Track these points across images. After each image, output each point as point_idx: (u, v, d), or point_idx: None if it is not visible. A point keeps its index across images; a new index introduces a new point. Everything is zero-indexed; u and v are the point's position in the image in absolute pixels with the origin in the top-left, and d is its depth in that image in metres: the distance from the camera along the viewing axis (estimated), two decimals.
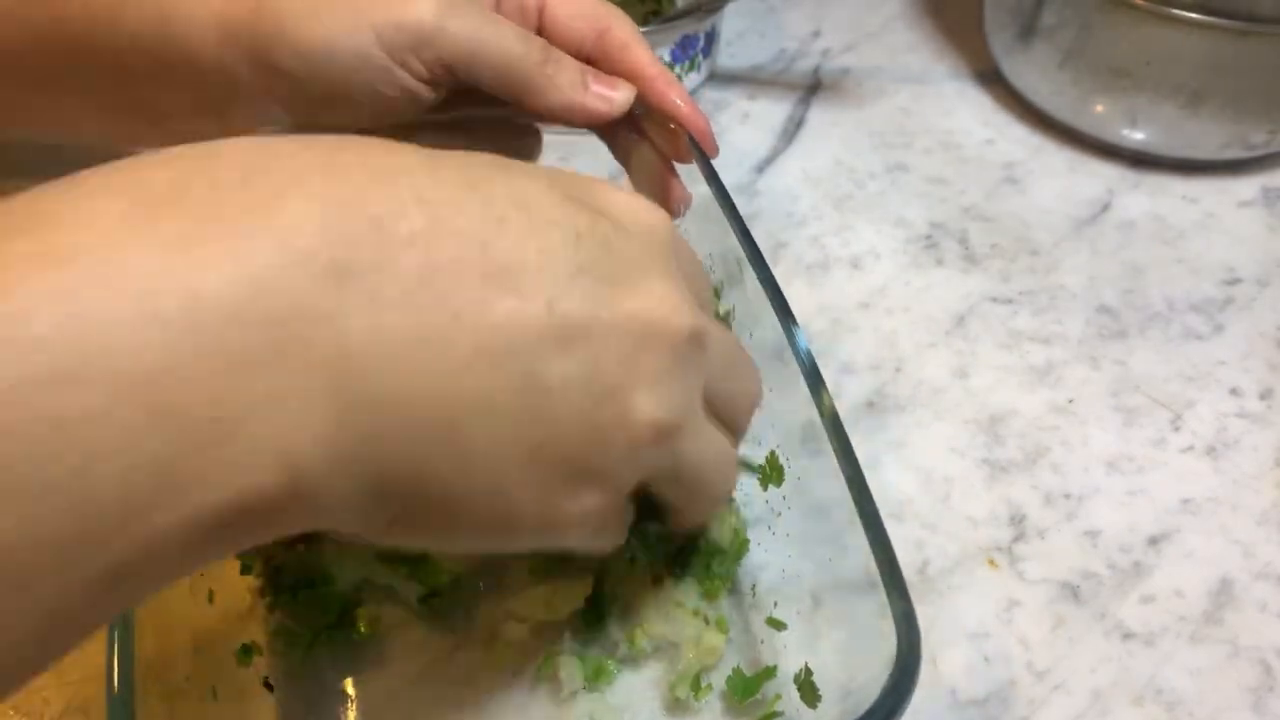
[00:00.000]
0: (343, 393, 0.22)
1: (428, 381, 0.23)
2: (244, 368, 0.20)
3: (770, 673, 0.37)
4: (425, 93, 0.41)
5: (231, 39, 0.39)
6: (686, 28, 0.63)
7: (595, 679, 0.38)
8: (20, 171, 0.57)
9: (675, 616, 0.38)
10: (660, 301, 0.27)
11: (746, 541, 0.40)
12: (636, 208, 0.29)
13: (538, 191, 0.26)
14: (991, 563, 0.44)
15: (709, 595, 0.39)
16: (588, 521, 0.28)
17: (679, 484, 0.30)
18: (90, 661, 0.39)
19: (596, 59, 0.44)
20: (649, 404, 0.26)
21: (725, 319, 0.44)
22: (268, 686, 0.36)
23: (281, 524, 0.23)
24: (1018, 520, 0.45)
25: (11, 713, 0.38)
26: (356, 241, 0.22)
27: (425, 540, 0.27)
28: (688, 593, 0.38)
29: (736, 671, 0.37)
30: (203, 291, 0.20)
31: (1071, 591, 0.43)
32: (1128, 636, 0.41)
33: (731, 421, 0.32)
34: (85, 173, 0.21)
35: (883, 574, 0.30)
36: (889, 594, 0.30)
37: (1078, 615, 0.42)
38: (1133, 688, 0.40)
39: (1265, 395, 0.51)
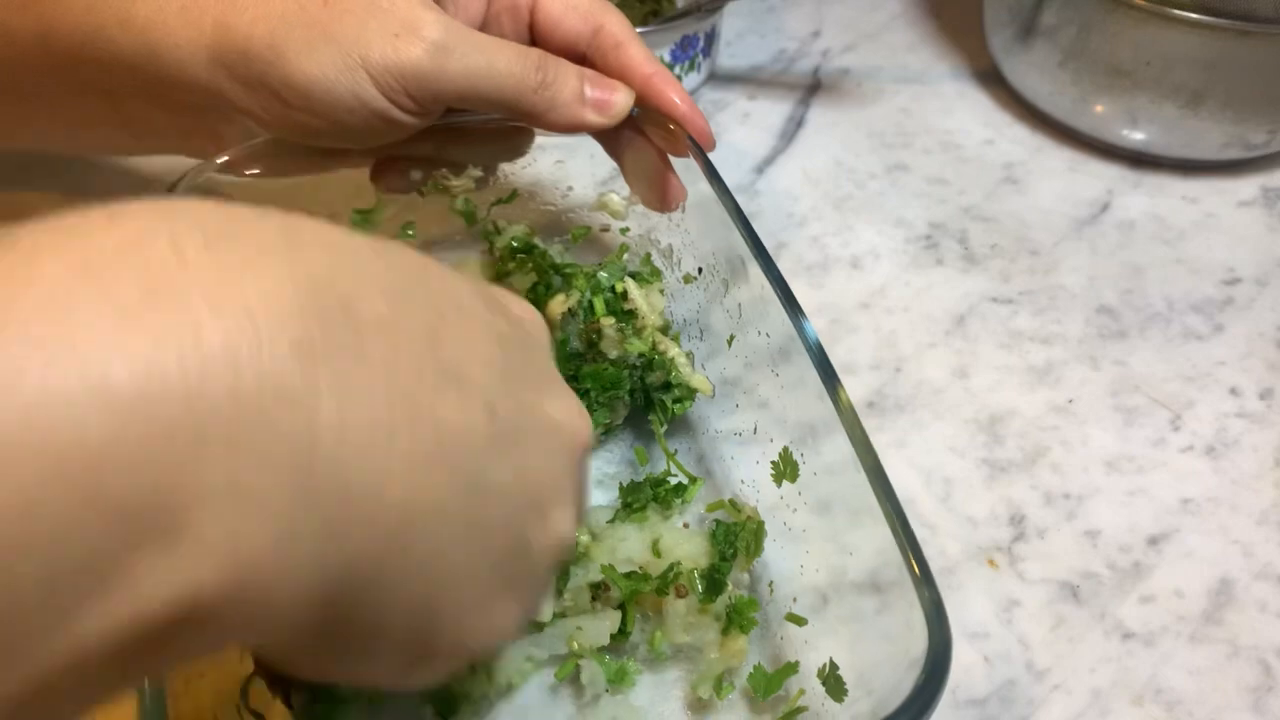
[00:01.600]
0: (307, 482, 0.19)
1: (392, 477, 0.21)
2: (199, 450, 0.17)
3: (792, 668, 0.37)
4: (418, 123, 0.41)
5: (224, 67, 0.39)
6: (686, 28, 0.63)
7: (618, 682, 0.38)
8: (9, 181, 0.57)
9: (698, 623, 0.38)
10: (568, 408, 0.28)
11: (762, 524, 0.40)
12: (527, 313, 0.30)
13: (464, 290, 0.26)
14: (991, 563, 0.44)
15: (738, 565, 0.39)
16: (500, 636, 0.26)
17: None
18: None
19: (591, 57, 0.44)
20: (566, 515, 0.27)
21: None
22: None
23: (220, 633, 0.20)
24: (1018, 520, 0.45)
25: None
26: (328, 321, 0.20)
27: (338, 663, 0.24)
28: (712, 599, 0.38)
29: (758, 669, 0.37)
30: (157, 365, 0.17)
31: (1071, 591, 0.43)
32: (1128, 636, 0.41)
33: None
34: (20, 229, 0.19)
35: (909, 565, 0.30)
36: (917, 586, 0.30)
37: (1078, 615, 0.42)
38: (1133, 688, 0.40)
39: (1265, 395, 0.51)
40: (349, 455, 0.20)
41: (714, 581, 0.38)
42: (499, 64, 0.40)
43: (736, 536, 0.39)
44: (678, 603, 0.38)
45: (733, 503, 0.41)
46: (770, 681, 0.37)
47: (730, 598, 0.38)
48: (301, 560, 0.20)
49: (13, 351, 0.16)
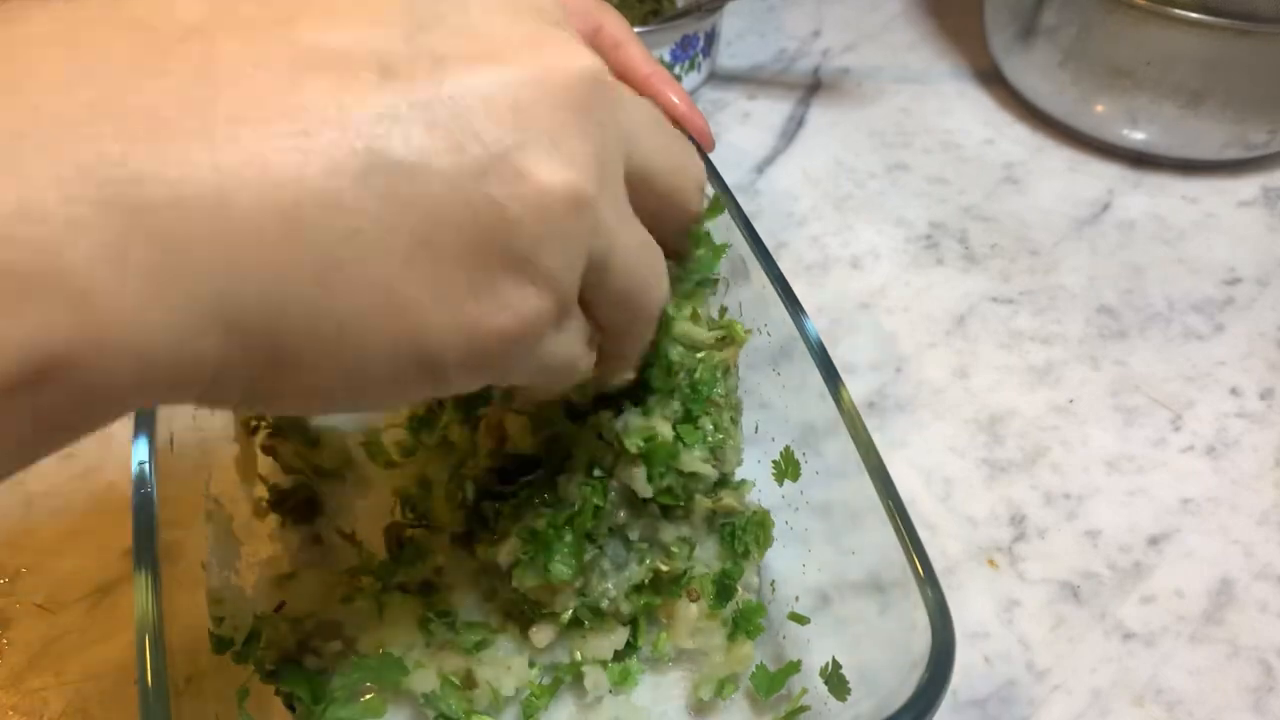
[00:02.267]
0: (136, 219, 0.18)
1: (237, 184, 0.19)
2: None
3: (795, 667, 0.37)
4: None
5: None
6: (686, 28, 0.63)
7: (620, 683, 0.37)
8: None
9: (705, 628, 0.38)
10: (541, 42, 0.23)
11: (767, 513, 0.40)
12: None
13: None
14: (991, 563, 0.44)
15: (739, 570, 0.38)
16: (532, 328, 0.23)
17: (609, 279, 0.25)
18: (90, 662, 0.39)
19: None
20: (549, 163, 0.22)
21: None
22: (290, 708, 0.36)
23: (98, 386, 0.19)
24: (1018, 520, 0.45)
25: (11, 713, 0.38)
26: (111, 53, 0.19)
27: (329, 390, 0.22)
28: (719, 603, 0.38)
29: (760, 668, 0.37)
30: None
31: (1071, 591, 0.43)
32: (1128, 636, 0.41)
33: (667, 203, 0.28)
34: None
35: (912, 565, 0.30)
36: (921, 586, 0.30)
37: (1078, 615, 0.42)
38: (1133, 688, 0.40)
39: (1265, 395, 0.51)
40: (174, 193, 0.18)
41: (724, 588, 0.38)
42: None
43: (745, 531, 0.38)
44: (690, 607, 0.37)
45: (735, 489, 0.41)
46: (773, 680, 0.37)
47: (739, 603, 0.38)
48: (150, 297, 0.18)
49: None
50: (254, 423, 0.39)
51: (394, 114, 0.20)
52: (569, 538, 0.35)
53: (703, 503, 0.37)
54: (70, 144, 0.18)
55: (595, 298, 0.26)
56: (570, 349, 0.26)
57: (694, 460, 0.36)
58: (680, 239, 0.30)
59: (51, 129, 0.18)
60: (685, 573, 0.38)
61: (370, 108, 0.20)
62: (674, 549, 0.37)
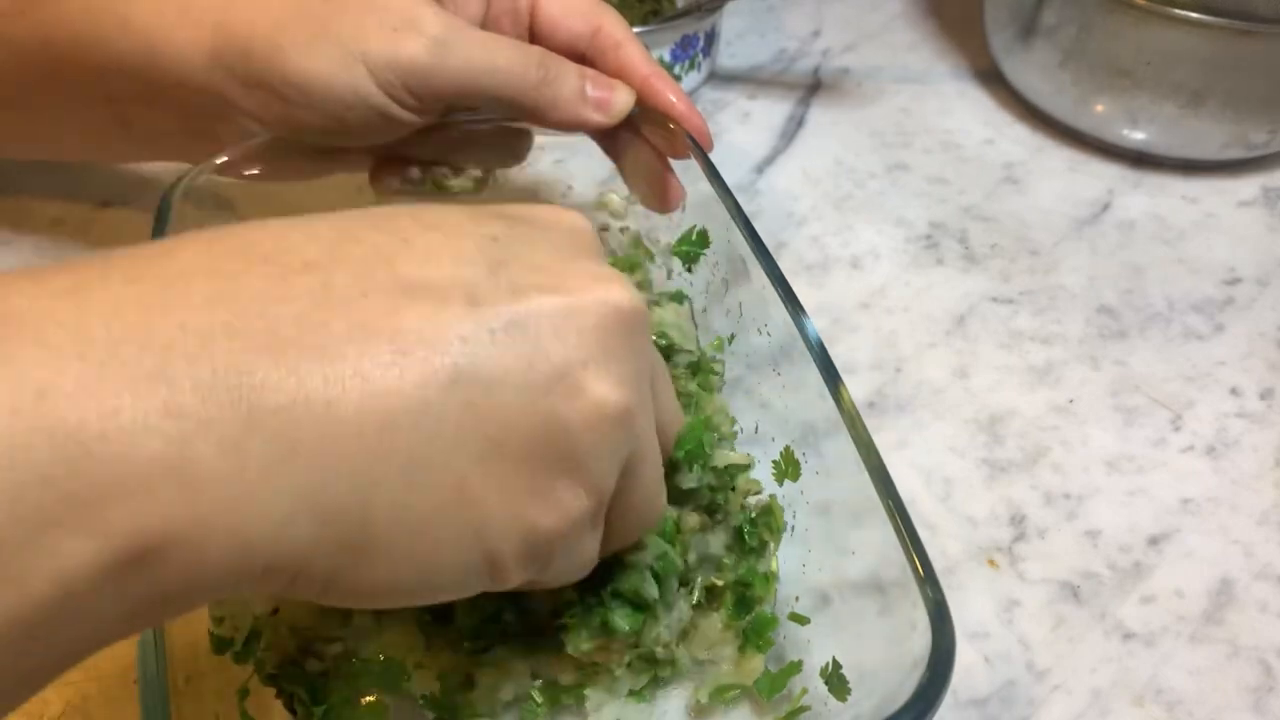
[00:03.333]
0: (256, 419, 0.21)
1: (342, 393, 0.22)
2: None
3: (796, 668, 0.36)
4: (417, 120, 0.41)
5: (222, 67, 0.39)
6: (686, 27, 0.63)
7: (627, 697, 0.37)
8: (9, 186, 0.57)
9: (720, 639, 0.37)
10: (597, 279, 0.26)
11: (774, 497, 0.40)
12: (549, 210, 0.29)
13: (446, 211, 0.26)
14: (991, 563, 0.44)
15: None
16: (576, 526, 0.26)
17: (637, 486, 0.29)
18: (90, 662, 0.39)
19: (590, 57, 0.44)
20: (604, 382, 0.25)
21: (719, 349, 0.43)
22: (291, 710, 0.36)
23: (199, 566, 0.21)
24: (1018, 520, 0.45)
25: (11, 712, 0.38)
26: (244, 282, 0.22)
27: (403, 581, 0.25)
28: (730, 619, 0.38)
29: (762, 672, 0.37)
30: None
31: (1071, 591, 0.43)
32: (1128, 636, 0.41)
33: (661, 435, 0.31)
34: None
35: (912, 565, 0.30)
36: (921, 586, 0.30)
37: (1078, 615, 0.42)
38: (1133, 688, 0.40)
39: (1265, 395, 0.51)
40: (287, 399, 0.21)
41: (744, 599, 0.38)
42: (499, 59, 0.40)
43: (755, 524, 0.38)
44: (715, 621, 0.37)
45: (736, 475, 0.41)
46: (774, 681, 0.36)
47: (755, 614, 0.38)
48: (260, 486, 0.21)
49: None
50: None
51: (478, 334, 0.24)
52: (634, 579, 0.34)
53: (737, 494, 0.37)
54: (207, 355, 0.21)
55: (617, 503, 0.28)
56: (592, 551, 0.29)
57: (726, 455, 0.37)
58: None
59: (194, 342, 0.21)
60: (704, 578, 0.38)
61: (458, 329, 0.23)
62: (725, 560, 0.37)
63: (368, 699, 0.36)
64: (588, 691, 0.36)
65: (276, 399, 0.21)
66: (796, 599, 0.38)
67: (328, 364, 0.22)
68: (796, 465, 0.39)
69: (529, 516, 0.25)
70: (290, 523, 0.22)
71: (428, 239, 0.25)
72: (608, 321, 0.26)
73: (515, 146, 0.48)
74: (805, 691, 0.36)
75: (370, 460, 0.22)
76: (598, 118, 0.42)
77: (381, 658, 0.36)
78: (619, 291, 0.26)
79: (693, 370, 0.43)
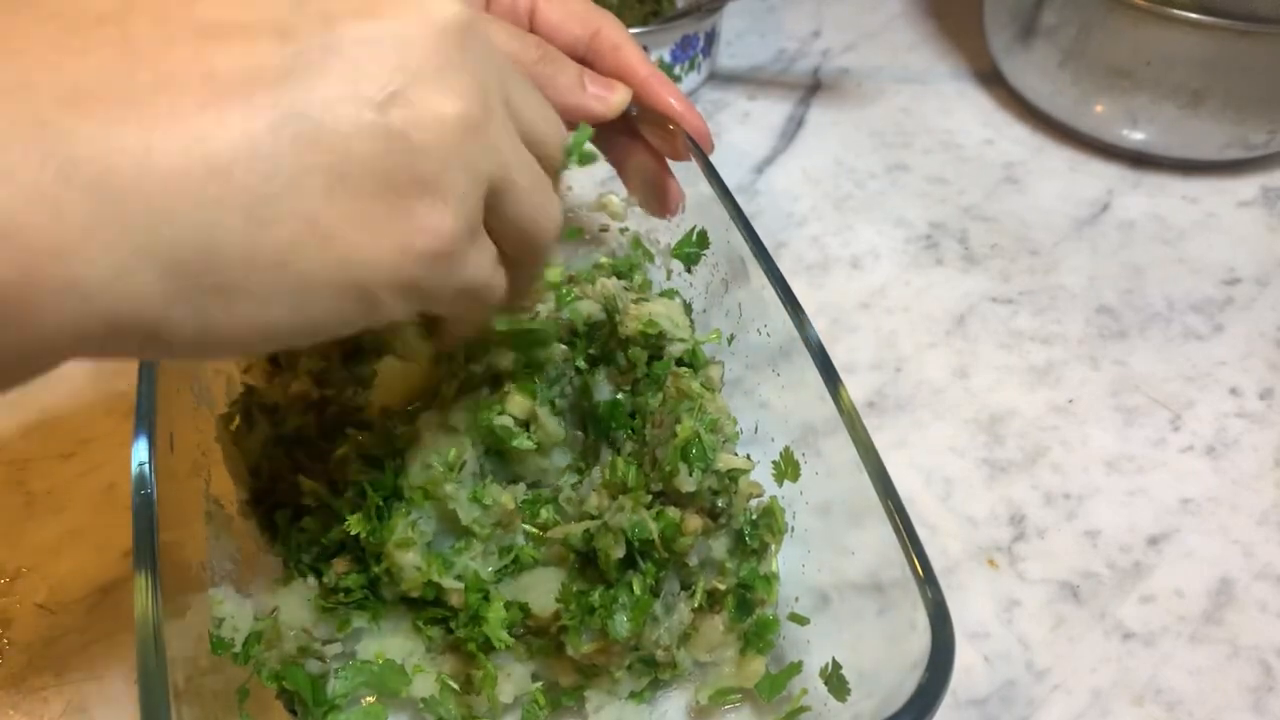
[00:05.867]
0: (68, 170, 0.21)
1: (161, 138, 0.22)
2: None
3: (796, 668, 0.37)
4: None
5: None
6: (686, 28, 0.63)
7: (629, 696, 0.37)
8: None
9: (723, 642, 0.37)
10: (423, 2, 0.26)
11: (775, 499, 0.39)
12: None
13: None
14: (991, 563, 0.44)
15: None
16: (448, 245, 0.26)
17: (509, 202, 0.28)
18: (90, 662, 0.39)
19: (589, 61, 0.44)
20: (441, 96, 0.25)
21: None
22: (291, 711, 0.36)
23: (41, 325, 0.22)
24: (1018, 520, 0.45)
25: (11, 713, 0.38)
26: (33, 38, 0.22)
27: (276, 321, 0.25)
28: (733, 623, 0.38)
29: (764, 674, 0.37)
30: None
31: (1071, 591, 0.43)
32: (1128, 636, 0.41)
33: (538, 147, 0.30)
34: None
35: (912, 565, 0.30)
36: (921, 586, 0.30)
37: (1078, 615, 0.42)
38: (1133, 687, 0.40)
39: (1265, 395, 0.51)
40: (106, 150, 0.21)
41: (744, 601, 0.37)
42: (497, 35, 0.40)
43: (757, 525, 0.38)
44: (716, 624, 0.37)
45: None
46: (775, 682, 0.36)
47: (756, 616, 0.38)
48: (86, 238, 0.21)
49: None
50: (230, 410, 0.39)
51: (293, 67, 0.23)
52: (635, 588, 0.34)
53: (740, 497, 0.37)
54: (3, 114, 0.20)
55: (497, 223, 0.29)
56: (483, 270, 0.28)
57: (728, 459, 0.36)
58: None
59: None
60: (726, 590, 0.38)
61: (273, 64, 0.23)
62: (727, 564, 0.37)
63: (368, 700, 0.36)
64: (588, 693, 0.36)
65: (87, 150, 0.21)
66: (796, 599, 0.38)
67: (139, 114, 0.22)
68: (796, 466, 0.39)
69: (393, 240, 0.25)
70: (128, 273, 0.22)
71: None
72: (430, 35, 0.25)
73: None
74: (805, 692, 0.36)
75: (205, 205, 0.22)
76: (596, 106, 0.42)
77: (381, 660, 0.36)
78: (438, 4, 0.26)
79: (686, 360, 0.43)
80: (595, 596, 0.34)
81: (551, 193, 0.31)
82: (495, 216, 0.28)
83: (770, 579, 0.38)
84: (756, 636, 0.37)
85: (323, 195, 0.24)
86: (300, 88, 0.23)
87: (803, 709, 0.36)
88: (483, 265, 0.28)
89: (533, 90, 0.31)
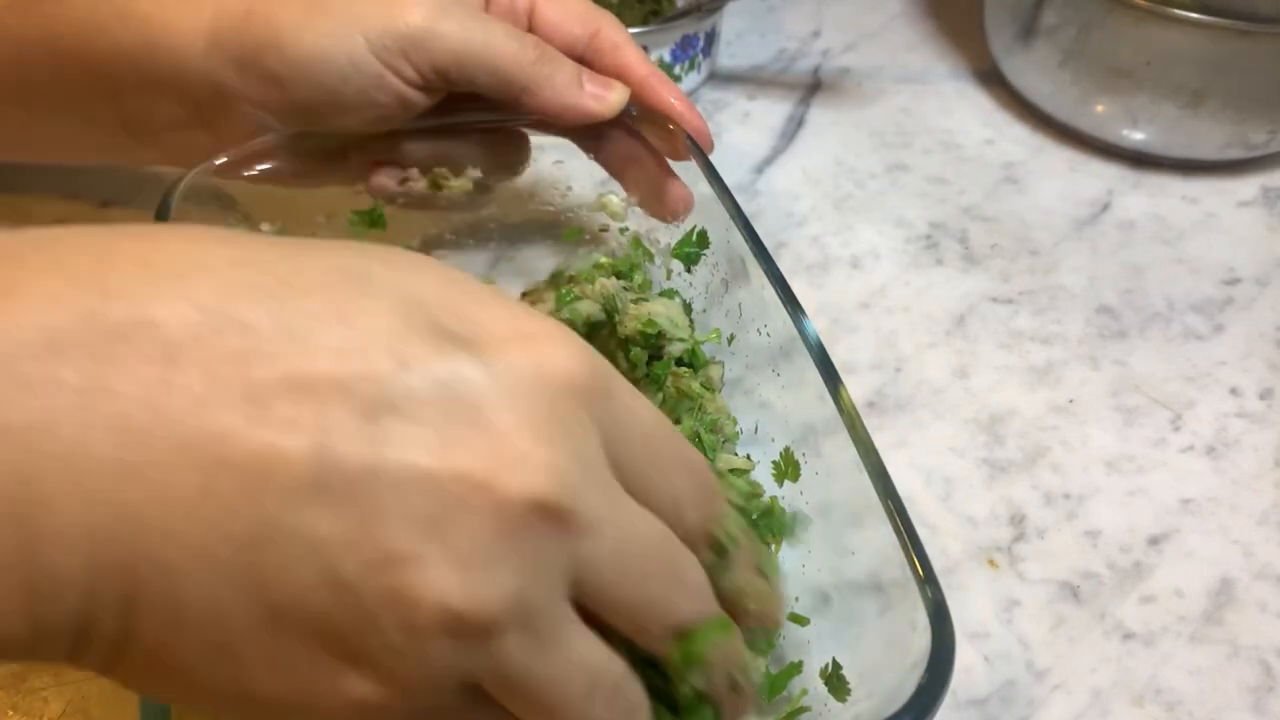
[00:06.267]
0: (20, 524, 0.19)
1: (131, 522, 0.19)
2: None
3: (796, 668, 0.36)
4: (417, 98, 0.41)
5: (220, 49, 0.39)
6: (686, 28, 0.63)
7: None
8: (7, 185, 0.57)
9: None
10: (501, 456, 0.21)
11: (778, 503, 0.39)
12: (532, 342, 0.22)
13: (375, 305, 0.21)
14: (991, 563, 0.44)
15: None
16: (368, 717, 0.21)
17: (520, 703, 0.22)
18: None
19: (588, 59, 0.44)
20: (442, 584, 0.20)
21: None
22: None
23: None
24: (1018, 520, 0.45)
25: (11, 713, 0.38)
26: (82, 350, 0.19)
27: (171, 694, 0.22)
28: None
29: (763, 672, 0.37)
30: None
31: (1071, 591, 0.43)
32: (1128, 636, 0.41)
33: (646, 641, 0.24)
34: None
35: (912, 565, 0.30)
36: (921, 586, 0.30)
37: (1078, 615, 0.42)
38: (1133, 688, 0.40)
39: (1265, 395, 0.51)
40: (79, 487, 0.19)
41: None
42: (497, 33, 0.40)
43: (759, 525, 0.38)
44: None
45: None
46: (775, 682, 0.36)
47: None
48: (19, 594, 0.19)
49: None
50: None
51: (306, 490, 0.20)
52: None
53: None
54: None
55: (514, 709, 0.23)
56: None
57: (729, 459, 0.36)
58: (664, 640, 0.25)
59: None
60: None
61: (285, 479, 0.20)
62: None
63: None
64: None
65: (70, 510, 0.19)
66: (796, 599, 0.38)
67: (129, 483, 0.19)
68: (796, 466, 0.39)
69: (304, 695, 0.21)
70: (61, 610, 0.19)
71: (318, 340, 0.21)
72: (488, 512, 0.20)
73: (512, 159, 0.48)
74: (805, 692, 0.36)
75: (144, 590, 0.20)
76: (594, 105, 0.42)
77: None
78: (527, 475, 0.21)
79: (685, 360, 0.43)
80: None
81: (603, 706, 0.23)
82: (506, 704, 0.23)
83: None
84: (757, 638, 0.37)
85: (246, 628, 0.20)
86: (296, 511, 0.20)
87: (802, 709, 0.36)
88: None
89: (658, 569, 0.24)
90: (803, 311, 0.38)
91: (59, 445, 0.19)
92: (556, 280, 0.47)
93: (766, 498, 0.40)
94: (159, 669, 0.21)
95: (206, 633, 0.20)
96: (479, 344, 0.22)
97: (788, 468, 0.39)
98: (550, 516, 0.21)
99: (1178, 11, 0.56)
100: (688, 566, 0.24)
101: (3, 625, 0.19)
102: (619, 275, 0.46)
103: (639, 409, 0.24)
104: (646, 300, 0.44)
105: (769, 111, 0.67)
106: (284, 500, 0.20)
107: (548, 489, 0.21)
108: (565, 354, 0.22)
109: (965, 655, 0.41)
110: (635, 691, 0.24)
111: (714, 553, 0.26)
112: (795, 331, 0.37)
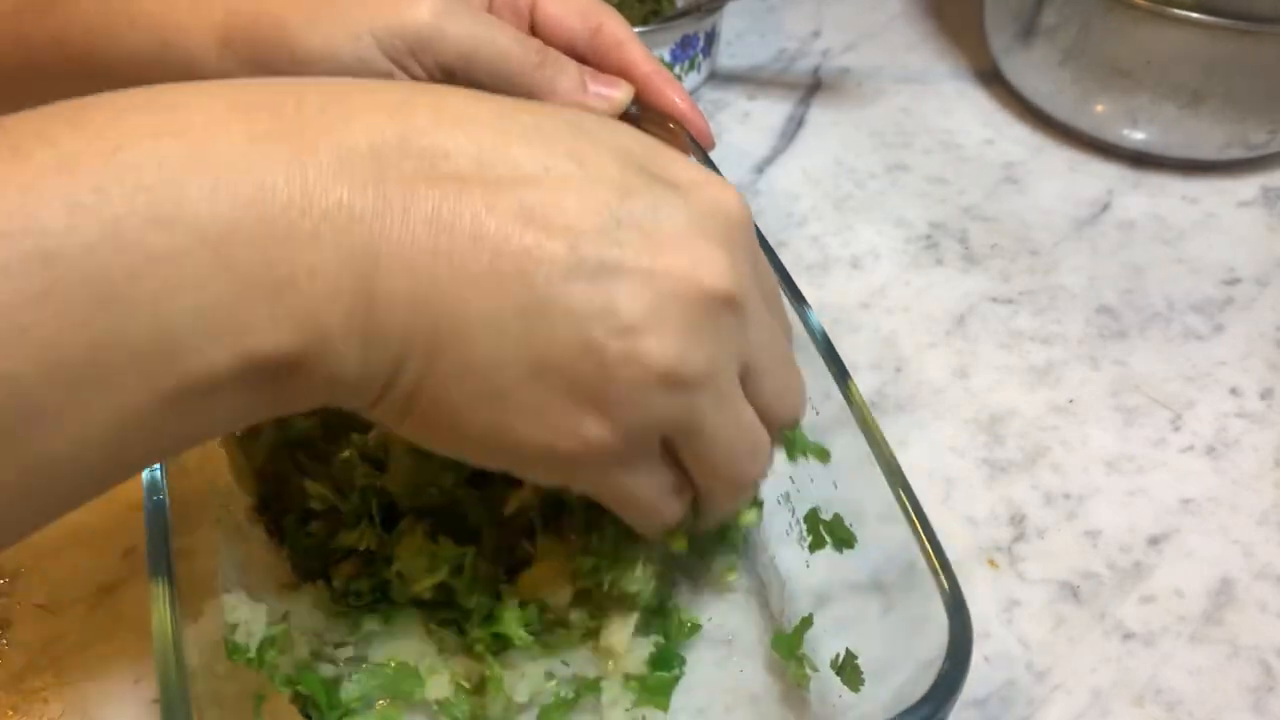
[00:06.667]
0: (366, 284, 0.25)
1: (439, 290, 0.25)
2: (291, 243, 0.24)
3: (808, 622, 0.37)
4: None
5: (232, 51, 0.39)
6: (686, 28, 0.63)
7: (647, 702, 0.37)
8: None
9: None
10: (700, 261, 0.27)
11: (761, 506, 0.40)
12: (709, 186, 0.29)
13: (598, 152, 0.28)
14: (991, 563, 0.44)
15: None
16: (595, 456, 0.28)
17: (699, 450, 0.30)
18: (90, 662, 0.40)
19: (590, 57, 0.44)
20: (664, 348, 0.27)
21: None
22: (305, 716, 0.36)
23: (306, 387, 0.26)
24: (1018, 520, 0.45)
25: (11, 713, 0.38)
26: (401, 165, 0.25)
27: (438, 439, 0.29)
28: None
29: (777, 634, 0.38)
30: (268, 182, 0.24)
31: (1071, 591, 0.43)
32: (1128, 636, 0.41)
33: (766, 414, 0.31)
34: (187, 85, 0.26)
35: (927, 556, 0.31)
36: (937, 577, 0.30)
37: (1078, 615, 0.42)
38: (1133, 688, 0.40)
39: (1265, 395, 0.51)
40: (400, 268, 0.25)
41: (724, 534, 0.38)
42: (502, 35, 0.40)
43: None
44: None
45: None
46: (789, 642, 0.37)
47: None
48: (361, 344, 0.25)
49: (181, 153, 0.24)
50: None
51: (565, 275, 0.26)
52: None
53: None
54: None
55: (687, 461, 0.30)
56: (641, 490, 0.30)
57: None
58: (775, 436, 0.34)
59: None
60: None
61: (550, 266, 0.26)
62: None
63: (381, 703, 0.36)
64: (604, 684, 0.37)
65: (392, 288, 0.25)
66: (803, 596, 0.39)
67: (438, 266, 0.25)
68: (806, 441, 0.38)
69: (551, 434, 0.28)
70: (365, 378, 0.26)
71: (565, 173, 0.27)
72: (696, 301, 0.27)
73: None
74: (816, 670, 0.36)
75: (438, 351, 0.26)
76: (598, 106, 0.42)
77: (393, 663, 0.36)
78: (722, 278, 0.28)
79: None
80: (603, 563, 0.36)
81: (756, 444, 0.31)
82: (683, 454, 0.30)
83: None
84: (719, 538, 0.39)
85: (517, 378, 0.27)
86: (559, 289, 0.26)
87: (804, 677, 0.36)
88: (638, 488, 0.30)
89: (779, 374, 0.32)
90: (803, 298, 0.38)
91: (392, 229, 0.25)
92: None
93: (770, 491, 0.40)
94: (436, 416, 0.27)
95: (483, 382, 0.27)
96: (675, 184, 0.29)
97: (797, 441, 0.39)
98: (732, 306, 0.28)
99: (1177, 11, 0.56)
100: (798, 371, 0.33)
101: (342, 365, 0.26)
102: None
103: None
104: None
105: (769, 111, 0.67)
106: (549, 280, 0.26)
107: (734, 285, 0.28)
108: (735, 197, 0.30)
109: None
110: (767, 443, 0.32)
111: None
112: (800, 327, 0.37)
